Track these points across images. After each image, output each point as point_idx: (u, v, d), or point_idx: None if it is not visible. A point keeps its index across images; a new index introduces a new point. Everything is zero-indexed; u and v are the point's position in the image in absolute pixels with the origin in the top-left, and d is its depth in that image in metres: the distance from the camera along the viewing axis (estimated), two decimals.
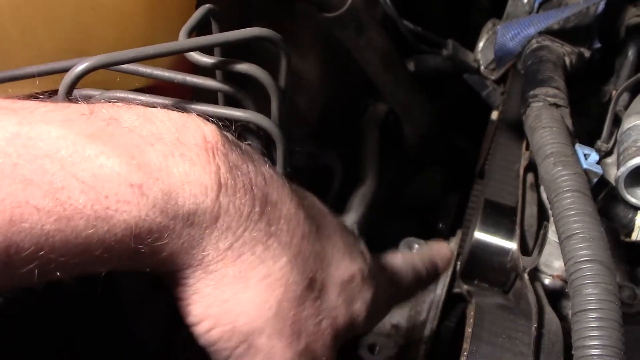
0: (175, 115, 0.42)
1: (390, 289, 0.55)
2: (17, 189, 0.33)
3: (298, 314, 0.43)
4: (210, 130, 0.41)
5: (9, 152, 0.34)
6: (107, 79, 0.47)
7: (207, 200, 0.39)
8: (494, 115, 1.07)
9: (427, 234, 1.07)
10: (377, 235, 0.88)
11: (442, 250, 0.68)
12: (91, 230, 0.35)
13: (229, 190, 0.40)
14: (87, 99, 0.42)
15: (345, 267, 0.47)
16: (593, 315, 0.50)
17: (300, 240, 0.44)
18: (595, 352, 0.48)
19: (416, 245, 1.00)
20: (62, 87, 0.42)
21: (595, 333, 0.49)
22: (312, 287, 0.44)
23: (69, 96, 0.42)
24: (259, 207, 0.42)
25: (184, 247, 0.39)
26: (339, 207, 1.00)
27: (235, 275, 0.41)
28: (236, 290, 0.41)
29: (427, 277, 0.63)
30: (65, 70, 0.42)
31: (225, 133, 0.43)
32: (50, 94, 0.43)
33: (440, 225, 1.18)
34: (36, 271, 0.34)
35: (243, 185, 0.41)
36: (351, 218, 1.00)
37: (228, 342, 0.42)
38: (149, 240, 0.37)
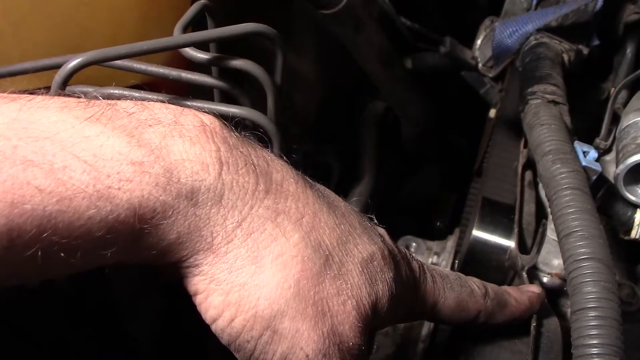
0: (172, 105, 0.42)
1: (422, 285, 0.51)
2: (18, 170, 0.33)
3: (319, 293, 0.41)
4: (207, 117, 0.42)
5: (8, 135, 0.34)
6: (101, 75, 0.47)
7: (209, 178, 0.39)
8: (492, 112, 1.07)
9: (425, 232, 1.07)
10: None
11: (525, 289, 0.60)
12: (93, 211, 0.34)
13: (230, 168, 0.40)
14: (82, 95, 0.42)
15: (363, 245, 0.45)
16: (592, 313, 0.50)
17: (312, 217, 0.43)
18: (594, 350, 0.48)
19: (414, 244, 1.00)
20: (54, 83, 0.42)
21: (594, 332, 0.49)
22: (330, 264, 0.42)
23: (62, 92, 0.41)
24: (263, 185, 0.41)
25: (191, 229, 0.38)
26: None
27: (249, 255, 0.40)
28: (252, 272, 0.40)
29: (490, 306, 0.54)
30: (58, 66, 0.42)
31: (224, 121, 0.43)
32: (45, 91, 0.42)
33: (438, 223, 1.18)
34: (39, 255, 0.33)
35: (245, 164, 0.41)
36: None
37: (251, 331, 0.40)
38: (153, 220, 0.37)
